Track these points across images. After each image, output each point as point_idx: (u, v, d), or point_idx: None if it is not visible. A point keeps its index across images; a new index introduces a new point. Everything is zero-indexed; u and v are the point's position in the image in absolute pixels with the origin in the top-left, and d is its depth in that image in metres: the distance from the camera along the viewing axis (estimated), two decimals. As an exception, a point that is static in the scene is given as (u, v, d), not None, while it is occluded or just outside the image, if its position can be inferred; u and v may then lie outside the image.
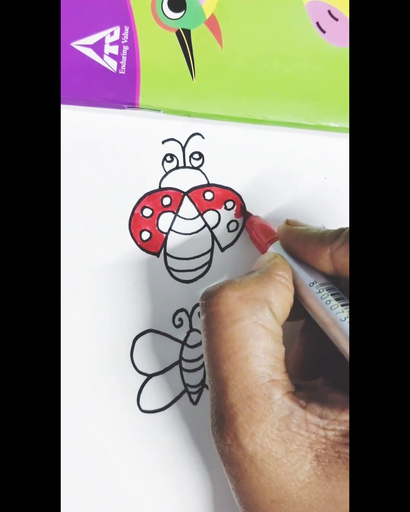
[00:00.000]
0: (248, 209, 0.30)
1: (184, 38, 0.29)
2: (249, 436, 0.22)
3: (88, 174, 0.30)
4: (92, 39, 0.29)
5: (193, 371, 0.30)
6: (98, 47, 0.29)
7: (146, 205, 0.30)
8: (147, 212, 0.30)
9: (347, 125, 0.30)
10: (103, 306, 0.29)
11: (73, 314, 0.29)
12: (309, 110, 0.30)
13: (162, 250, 0.30)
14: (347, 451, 0.21)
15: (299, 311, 0.25)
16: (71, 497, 0.29)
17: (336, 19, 0.30)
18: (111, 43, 0.29)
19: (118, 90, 0.29)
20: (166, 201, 0.30)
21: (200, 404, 0.30)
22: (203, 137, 0.30)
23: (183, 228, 0.30)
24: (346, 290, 0.24)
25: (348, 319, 0.23)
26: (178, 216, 0.30)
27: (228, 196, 0.30)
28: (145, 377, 0.29)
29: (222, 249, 0.30)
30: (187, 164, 0.30)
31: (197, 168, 0.30)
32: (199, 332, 0.29)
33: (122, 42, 0.29)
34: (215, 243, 0.30)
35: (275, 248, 0.27)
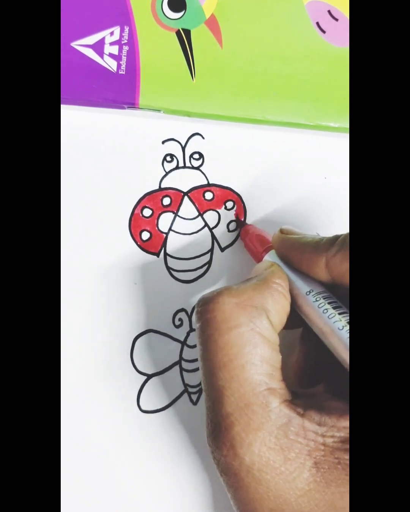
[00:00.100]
0: (248, 209, 0.30)
1: (184, 38, 0.29)
2: (246, 445, 0.21)
3: (88, 174, 0.30)
4: (92, 39, 0.29)
5: (193, 371, 0.30)
6: (98, 47, 0.29)
7: (146, 205, 0.30)
8: (147, 212, 0.30)
9: (347, 125, 0.30)
10: (103, 306, 0.29)
11: (73, 314, 0.29)
12: (309, 110, 0.30)
13: (162, 250, 0.30)
14: (346, 457, 0.21)
15: (296, 319, 0.25)
16: (71, 497, 0.29)
17: (336, 19, 0.30)
18: (111, 43, 0.29)
19: (118, 90, 0.29)
20: (166, 201, 0.30)
21: (200, 404, 0.30)
22: (203, 137, 0.30)
23: (183, 228, 0.30)
24: (343, 298, 0.24)
25: (346, 328, 0.23)
26: (178, 216, 0.30)
27: (228, 196, 0.30)
28: (145, 377, 0.29)
29: (222, 249, 0.30)
30: (187, 164, 0.30)
31: (198, 168, 0.30)
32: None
33: (122, 42, 0.29)
34: (215, 243, 0.30)
35: (270, 257, 0.27)
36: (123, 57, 0.29)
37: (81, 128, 0.30)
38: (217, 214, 0.30)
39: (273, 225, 0.29)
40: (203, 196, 0.30)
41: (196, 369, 0.30)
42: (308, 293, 0.24)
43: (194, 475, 0.29)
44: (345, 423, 0.22)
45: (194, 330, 0.30)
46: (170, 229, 0.30)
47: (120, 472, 0.29)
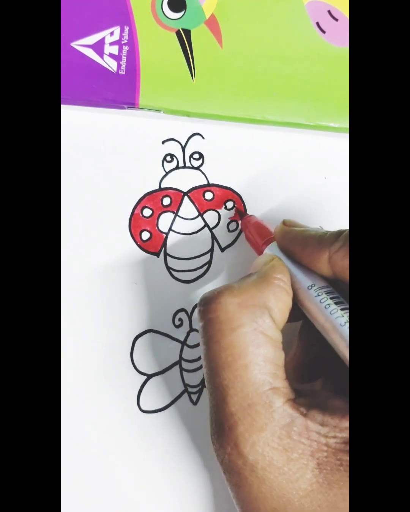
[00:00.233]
0: (248, 209, 0.30)
1: (184, 38, 0.29)
2: (250, 445, 0.21)
3: (88, 174, 0.30)
4: (92, 39, 0.29)
5: (193, 371, 0.30)
6: (98, 47, 0.29)
7: (146, 205, 0.30)
8: (147, 212, 0.30)
9: (347, 125, 0.30)
10: (103, 306, 0.29)
11: (73, 314, 0.29)
12: (309, 110, 0.30)
13: (162, 250, 0.30)
14: (349, 458, 0.21)
15: (297, 312, 0.25)
16: (71, 497, 0.29)
17: (336, 19, 0.30)
18: (111, 43, 0.29)
19: (118, 90, 0.29)
20: (166, 201, 0.30)
21: (200, 404, 0.30)
22: (203, 137, 0.30)
23: (183, 228, 0.30)
24: (345, 293, 0.24)
25: (347, 324, 0.22)
26: (178, 216, 0.30)
27: (228, 196, 0.30)
28: (145, 377, 0.29)
29: (222, 249, 0.30)
30: (187, 164, 0.30)
31: (198, 168, 0.30)
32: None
33: (122, 42, 0.29)
34: (215, 243, 0.30)
35: (271, 249, 0.26)
36: (123, 57, 0.29)
37: (81, 128, 0.30)
38: (217, 214, 0.30)
39: (273, 225, 0.29)
40: (204, 196, 0.30)
41: (197, 369, 0.30)
42: (309, 287, 0.24)
43: (195, 475, 0.29)
44: (347, 424, 0.21)
45: (194, 330, 0.30)
46: (170, 229, 0.30)
47: (120, 472, 0.29)
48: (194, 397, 0.29)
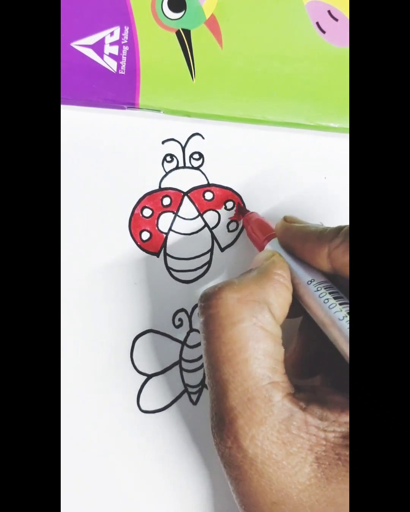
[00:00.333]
0: (248, 208, 0.30)
1: (184, 38, 0.29)
2: (249, 438, 0.22)
3: (88, 174, 0.30)
4: (92, 39, 0.29)
5: (193, 371, 0.30)
6: (98, 47, 0.29)
7: (146, 205, 0.30)
8: (147, 212, 0.30)
9: (347, 125, 0.30)
10: (103, 306, 0.29)
11: (73, 314, 0.29)
12: (309, 110, 0.30)
13: (162, 250, 0.30)
14: (347, 453, 0.21)
15: (297, 308, 0.25)
16: (71, 497, 0.29)
17: (336, 19, 0.30)
18: (111, 43, 0.29)
19: (118, 90, 0.29)
20: (166, 201, 0.30)
21: (200, 404, 0.30)
22: (203, 137, 0.30)
23: (183, 228, 0.30)
24: (344, 289, 0.24)
25: (346, 318, 0.23)
26: (178, 216, 0.30)
27: (228, 196, 0.30)
28: (145, 377, 0.29)
29: (222, 249, 0.30)
30: (187, 164, 0.30)
31: (197, 168, 0.30)
32: (199, 332, 0.29)
33: (122, 42, 0.29)
34: (215, 243, 0.30)
35: (272, 245, 0.26)
36: (123, 57, 0.29)
37: (81, 128, 0.30)
38: (217, 214, 0.30)
39: (273, 223, 0.29)
40: (203, 196, 0.30)
41: (197, 369, 0.30)
42: (309, 282, 0.24)
43: (194, 475, 0.29)
44: (346, 418, 0.22)
45: (194, 330, 0.30)
46: (170, 229, 0.30)
47: (120, 472, 0.29)
48: (194, 397, 0.29)
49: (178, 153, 0.30)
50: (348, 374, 0.20)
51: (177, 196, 0.30)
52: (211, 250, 0.30)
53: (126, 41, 0.29)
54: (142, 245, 0.30)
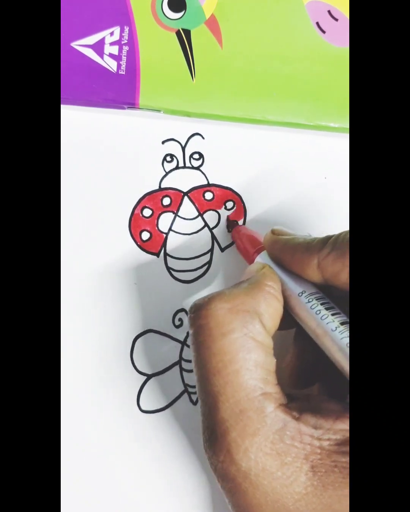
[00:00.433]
0: (248, 209, 0.30)
1: (184, 38, 0.29)
2: (243, 451, 0.21)
3: (88, 174, 0.30)
4: (92, 39, 0.29)
5: (193, 371, 0.30)
6: (98, 47, 0.29)
7: (146, 205, 0.30)
8: (147, 212, 0.30)
9: (347, 125, 0.30)
10: (103, 306, 0.29)
11: (73, 314, 0.29)
12: (309, 110, 0.30)
13: (162, 250, 0.30)
14: (343, 459, 0.21)
15: (289, 320, 0.25)
16: (71, 497, 0.29)
17: (336, 19, 0.30)
18: (111, 43, 0.29)
19: (118, 90, 0.29)
20: (166, 201, 0.30)
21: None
22: (203, 137, 0.30)
23: (183, 228, 0.30)
24: (336, 299, 0.24)
25: (339, 329, 0.23)
26: (178, 216, 0.30)
27: (228, 196, 0.30)
28: (145, 377, 0.29)
29: (222, 249, 0.30)
30: (187, 164, 0.30)
31: (197, 168, 0.30)
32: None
33: (122, 42, 0.29)
34: (215, 243, 0.30)
35: (262, 258, 0.26)
36: (123, 57, 0.29)
37: (81, 128, 0.30)
38: (217, 214, 0.30)
39: (273, 225, 0.29)
40: (203, 196, 0.30)
41: (196, 369, 0.30)
42: (300, 294, 0.24)
43: (194, 475, 0.29)
44: (341, 425, 0.21)
45: (194, 330, 0.30)
46: (170, 229, 0.30)
47: (120, 472, 0.29)
48: (194, 397, 0.29)
49: (178, 153, 0.30)
50: (344, 383, 0.20)
51: (177, 196, 0.30)
52: (211, 250, 0.30)
53: (126, 41, 0.29)
54: (142, 245, 0.30)
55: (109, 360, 0.29)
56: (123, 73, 0.29)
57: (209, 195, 0.30)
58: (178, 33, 0.29)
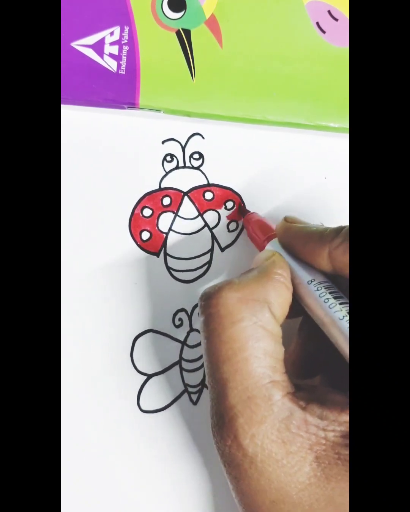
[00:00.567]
0: (248, 208, 0.30)
1: (184, 38, 0.29)
2: (249, 437, 0.22)
3: (88, 174, 0.30)
4: (92, 39, 0.29)
5: (193, 371, 0.30)
6: (98, 47, 0.29)
7: (146, 205, 0.30)
8: (147, 212, 0.30)
9: (347, 125, 0.30)
10: (103, 306, 0.29)
11: (73, 314, 0.29)
12: (309, 110, 0.30)
13: (162, 250, 0.30)
14: (346, 452, 0.21)
15: (297, 308, 0.25)
16: (71, 497, 0.29)
17: (336, 19, 0.30)
18: (111, 43, 0.29)
19: (118, 90, 0.29)
20: (166, 201, 0.30)
21: (200, 404, 0.30)
22: (203, 137, 0.30)
23: (183, 228, 0.30)
24: (345, 289, 0.24)
25: (346, 318, 0.23)
26: (178, 216, 0.30)
27: (228, 196, 0.30)
28: (145, 377, 0.29)
29: (222, 249, 0.30)
30: (187, 164, 0.30)
31: (198, 168, 0.30)
32: (199, 332, 0.29)
33: (122, 42, 0.29)
34: (215, 243, 0.30)
35: (272, 246, 0.26)
36: (123, 57, 0.29)
37: (81, 128, 0.30)
38: (217, 214, 0.30)
39: (273, 224, 0.29)
40: (203, 196, 0.30)
41: (197, 369, 0.30)
42: (309, 282, 0.24)
43: (194, 475, 0.29)
44: (346, 417, 0.22)
45: (194, 330, 0.30)
46: (170, 229, 0.30)
47: (120, 472, 0.29)
48: (194, 397, 0.30)
49: (178, 153, 0.30)
50: (348, 373, 0.20)
51: (178, 196, 0.30)
52: (211, 250, 0.30)
53: (126, 41, 0.29)
54: (142, 245, 0.30)
55: (109, 360, 0.29)
56: (123, 73, 0.29)
57: (209, 195, 0.30)
58: (178, 33, 0.29)
